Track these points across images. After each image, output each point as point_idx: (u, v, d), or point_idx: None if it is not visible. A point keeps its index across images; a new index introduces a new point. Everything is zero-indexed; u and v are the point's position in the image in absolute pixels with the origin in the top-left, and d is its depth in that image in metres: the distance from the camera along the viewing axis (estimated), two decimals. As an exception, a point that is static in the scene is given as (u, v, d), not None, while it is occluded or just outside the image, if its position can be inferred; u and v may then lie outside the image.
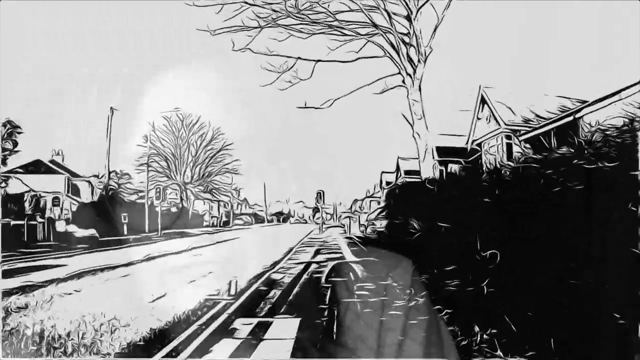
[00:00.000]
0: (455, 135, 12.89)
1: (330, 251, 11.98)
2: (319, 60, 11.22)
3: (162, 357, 5.29)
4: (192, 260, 10.86)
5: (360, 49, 11.19)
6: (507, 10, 10.49)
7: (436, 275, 6.83)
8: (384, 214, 12.89)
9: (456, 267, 6.35)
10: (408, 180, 12.92)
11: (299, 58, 11.15)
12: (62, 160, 13.92)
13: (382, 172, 13.92)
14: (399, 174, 13.38)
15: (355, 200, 14.19)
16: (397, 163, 13.43)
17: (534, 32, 10.15)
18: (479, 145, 13.59)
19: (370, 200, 14.15)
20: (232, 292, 7.91)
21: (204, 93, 11.56)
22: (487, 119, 13.14)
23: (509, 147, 12.62)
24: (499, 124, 12.52)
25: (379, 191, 14.05)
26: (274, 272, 9.37)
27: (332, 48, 11.27)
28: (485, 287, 5.59)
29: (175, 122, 14.57)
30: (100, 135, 13.00)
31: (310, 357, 5.41)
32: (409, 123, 11.68)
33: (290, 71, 11.27)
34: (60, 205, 12.77)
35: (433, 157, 12.11)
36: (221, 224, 15.76)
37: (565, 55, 10.50)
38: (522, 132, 12.38)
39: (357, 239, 13.64)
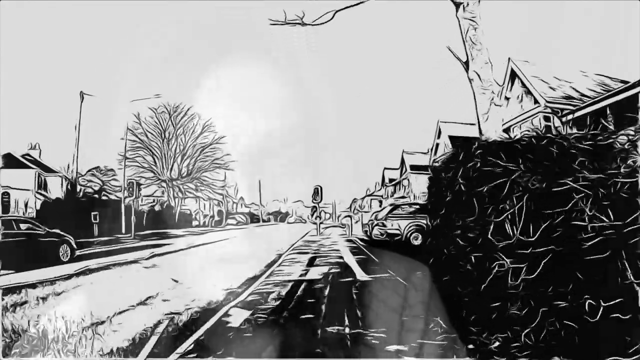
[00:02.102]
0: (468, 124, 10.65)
1: (329, 263, 9.78)
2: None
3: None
4: (140, 276, 8.78)
5: None
6: (506, 8, 8.86)
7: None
8: (425, 207, 10.64)
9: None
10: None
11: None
12: (40, 155, 12.96)
13: (385, 169, 12.13)
14: (404, 169, 11.44)
15: (355, 200, 12.40)
16: (402, 157, 11.53)
17: (533, 32, 9.13)
18: (507, 131, 11.32)
19: (371, 199, 12.35)
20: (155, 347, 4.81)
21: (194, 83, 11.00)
22: (518, 98, 10.98)
23: (548, 130, 10.30)
24: (538, 102, 10.29)
25: (380, 189, 12.25)
26: (241, 301, 6.72)
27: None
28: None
29: (161, 113, 13.31)
30: (87, 130, 12.14)
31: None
32: (460, 60, 6.73)
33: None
34: (23, 203, 11.74)
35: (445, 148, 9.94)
36: (213, 224, 14.32)
37: (564, 55, 9.94)
38: (565, 111, 10.12)
39: (361, 243, 11.81)
